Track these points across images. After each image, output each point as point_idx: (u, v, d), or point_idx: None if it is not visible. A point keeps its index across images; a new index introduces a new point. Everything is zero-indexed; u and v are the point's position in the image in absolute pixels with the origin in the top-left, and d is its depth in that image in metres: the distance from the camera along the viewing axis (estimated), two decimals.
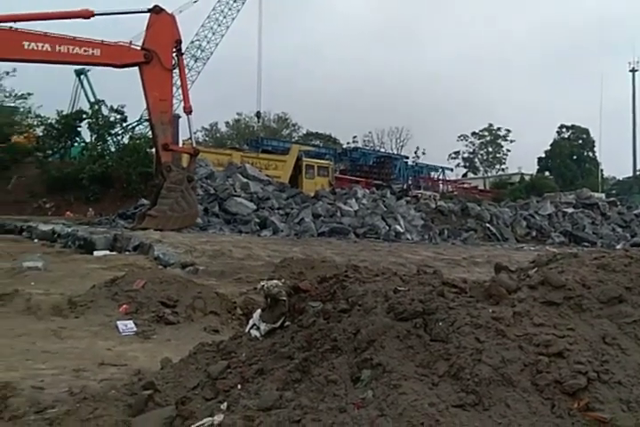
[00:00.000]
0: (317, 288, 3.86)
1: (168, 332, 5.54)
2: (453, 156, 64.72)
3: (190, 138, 18.66)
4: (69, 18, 15.98)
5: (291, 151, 29.75)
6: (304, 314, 3.58)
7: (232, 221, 19.64)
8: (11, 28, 15.23)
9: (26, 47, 15.10)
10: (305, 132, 59.74)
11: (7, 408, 3.28)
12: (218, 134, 58.38)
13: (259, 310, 3.92)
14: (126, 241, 12.22)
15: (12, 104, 29.16)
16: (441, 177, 48.95)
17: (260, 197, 21.27)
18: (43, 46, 15.23)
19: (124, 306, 5.92)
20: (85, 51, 15.76)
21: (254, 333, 3.77)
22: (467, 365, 2.54)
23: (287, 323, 3.66)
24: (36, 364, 4.26)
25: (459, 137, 64.98)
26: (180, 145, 21.08)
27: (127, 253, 11.70)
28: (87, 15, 15.93)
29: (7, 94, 28.45)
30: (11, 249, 11.30)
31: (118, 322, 5.57)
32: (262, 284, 3.80)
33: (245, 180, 22.16)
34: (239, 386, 3.23)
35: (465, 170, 64.74)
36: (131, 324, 5.53)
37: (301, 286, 3.87)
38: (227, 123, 58.65)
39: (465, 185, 49.02)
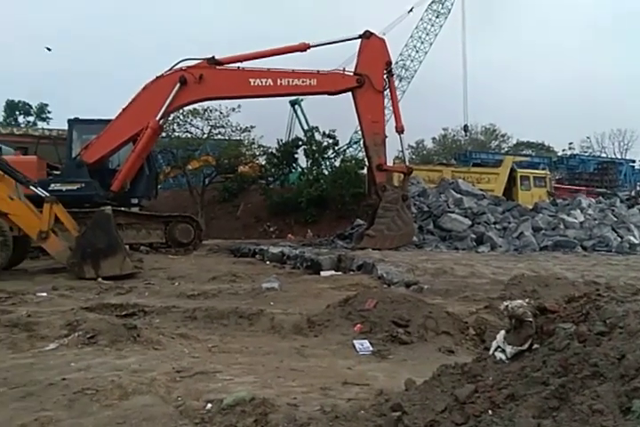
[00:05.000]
0: (566, 308, 3.60)
1: (403, 351, 5.52)
2: None
3: (402, 157, 18.88)
4: (288, 52, 17.13)
5: (503, 163, 28.71)
6: (554, 336, 3.33)
7: (447, 238, 19.40)
8: (238, 67, 16.83)
9: (252, 84, 16.52)
10: (515, 142, 57.52)
11: (267, 424, 3.44)
12: (424, 151, 58.48)
13: (502, 332, 3.73)
14: (350, 261, 12.61)
15: (238, 137, 31.92)
16: None
17: (474, 212, 20.75)
18: (266, 81, 16.53)
19: (359, 325, 6.04)
20: (303, 81, 16.79)
21: (499, 355, 3.60)
22: None
23: (535, 345, 3.45)
24: (287, 381, 4.44)
25: None
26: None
27: (351, 272, 12.04)
28: (304, 48, 16.99)
29: (234, 129, 31.25)
30: (248, 271, 12.19)
31: (355, 341, 5.68)
32: (506, 304, 3.63)
33: (458, 195, 21.80)
34: (490, 411, 3.09)
35: None
36: (367, 343, 5.62)
37: (548, 307, 3.62)
38: (433, 139, 58.61)
39: None
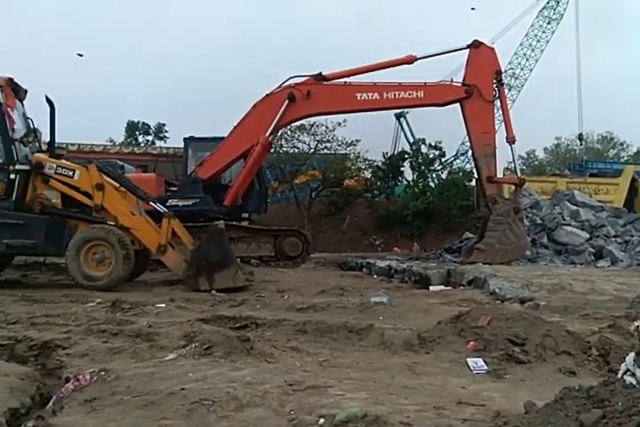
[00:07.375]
0: None
1: (520, 371, 5.27)
2: None
3: (514, 168, 18.26)
4: (395, 66, 17.02)
5: (624, 172, 27.12)
6: None
7: (563, 252, 18.50)
8: (344, 82, 17.00)
9: (358, 98, 16.58)
10: (635, 150, 54.38)
11: None
12: (536, 162, 56.54)
13: (632, 354, 3.48)
14: (460, 276, 12.30)
15: (344, 151, 32.14)
16: None
17: (592, 224, 19.67)
18: (372, 95, 16.52)
19: (472, 343, 5.84)
20: (410, 94, 16.59)
21: (629, 379, 3.35)
22: None
23: None
24: (399, 399, 4.35)
25: None
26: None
27: (461, 287, 11.72)
28: (411, 60, 16.83)
29: (339, 143, 31.47)
30: (356, 285, 12.17)
31: (468, 359, 5.49)
32: (636, 324, 3.41)
33: (574, 207, 20.76)
34: None
35: None
36: (481, 362, 5.42)
37: None
38: (545, 149, 56.59)
39: None
